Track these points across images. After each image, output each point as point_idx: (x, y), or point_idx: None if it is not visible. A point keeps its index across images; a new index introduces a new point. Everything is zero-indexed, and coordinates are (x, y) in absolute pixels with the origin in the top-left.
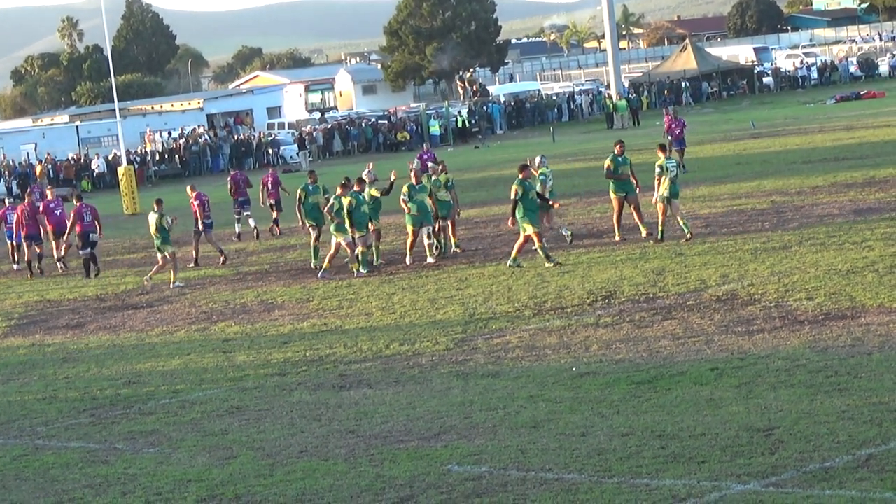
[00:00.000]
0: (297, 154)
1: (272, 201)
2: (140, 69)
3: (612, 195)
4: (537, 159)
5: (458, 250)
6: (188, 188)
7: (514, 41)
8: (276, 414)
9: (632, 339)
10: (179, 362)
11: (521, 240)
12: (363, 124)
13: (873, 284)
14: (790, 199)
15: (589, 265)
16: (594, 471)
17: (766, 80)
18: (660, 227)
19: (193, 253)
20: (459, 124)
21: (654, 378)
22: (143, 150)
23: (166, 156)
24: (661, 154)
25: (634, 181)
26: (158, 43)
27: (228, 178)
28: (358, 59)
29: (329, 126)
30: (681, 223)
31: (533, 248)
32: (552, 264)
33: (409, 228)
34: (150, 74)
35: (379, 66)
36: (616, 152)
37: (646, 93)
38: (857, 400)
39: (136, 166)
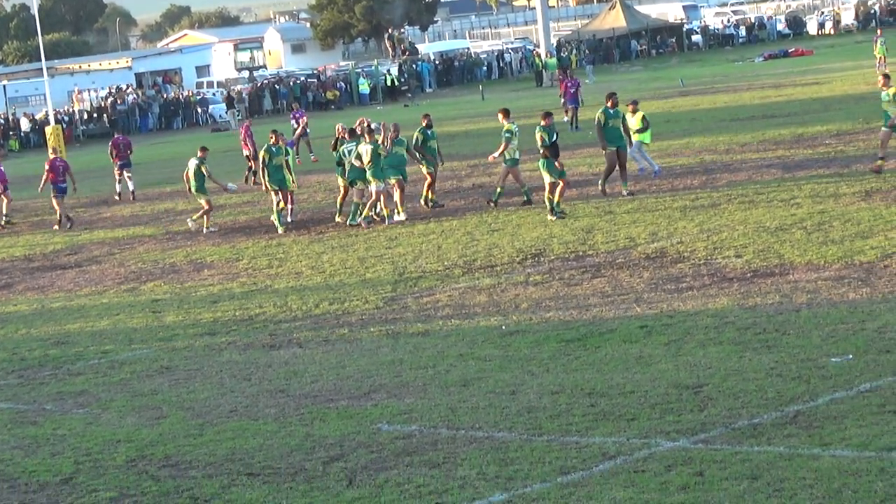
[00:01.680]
0: (226, 113)
1: (247, 152)
2: (67, 28)
3: (605, 149)
4: (373, 125)
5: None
6: (50, 151)
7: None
8: (206, 374)
9: (561, 297)
10: (108, 322)
11: (547, 189)
12: (292, 83)
13: (801, 242)
14: (719, 157)
15: (518, 224)
16: (524, 429)
17: (694, 38)
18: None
19: (57, 215)
20: (389, 83)
21: (583, 336)
22: (71, 110)
23: (95, 115)
24: (504, 120)
25: (626, 135)
26: (86, 1)
27: (110, 143)
28: (287, 17)
29: (258, 85)
30: (521, 189)
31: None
32: (555, 217)
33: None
34: (78, 33)
35: (308, 24)
36: (608, 105)
37: (574, 51)
38: (785, 357)
39: (65, 126)
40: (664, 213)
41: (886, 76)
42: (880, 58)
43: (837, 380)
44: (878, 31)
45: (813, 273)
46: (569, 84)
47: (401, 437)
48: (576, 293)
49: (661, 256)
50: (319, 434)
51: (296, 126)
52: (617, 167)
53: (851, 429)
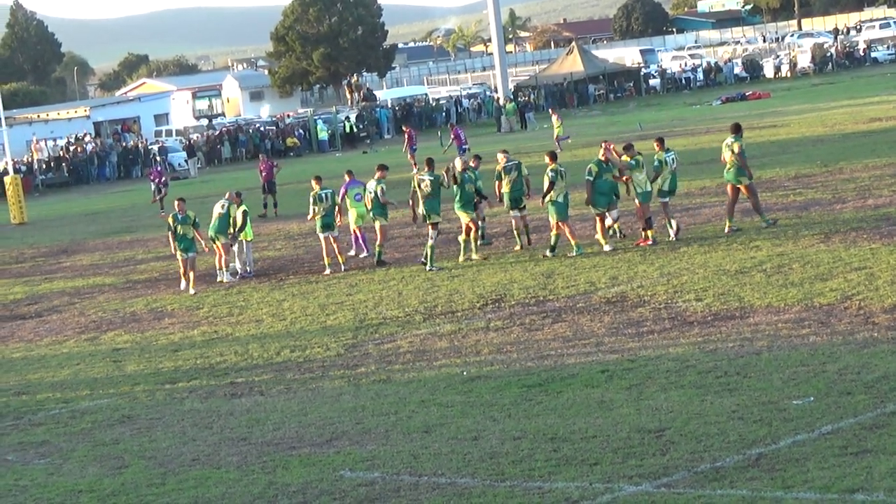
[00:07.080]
0: (186, 161)
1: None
2: (25, 77)
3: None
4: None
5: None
6: None
7: (400, 45)
8: (168, 423)
9: (522, 342)
10: (69, 372)
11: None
12: (251, 130)
13: (761, 284)
14: (677, 200)
15: (479, 269)
16: (486, 474)
17: (652, 81)
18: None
19: None
20: (347, 129)
21: (545, 381)
22: (30, 159)
23: (53, 164)
24: (316, 185)
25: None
26: (43, 51)
27: None
28: (245, 65)
29: (217, 132)
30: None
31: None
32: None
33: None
34: (36, 83)
35: (266, 71)
36: (657, 149)
37: (532, 96)
38: (746, 399)
39: (23, 175)
40: (624, 258)
41: (647, 139)
42: (558, 135)
43: (799, 422)
44: (551, 111)
45: (773, 316)
46: (460, 133)
47: (363, 484)
48: (537, 338)
49: (621, 301)
50: (282, 482)
51: (157, 183)
52: (643, 212)
53: (814, 471)
